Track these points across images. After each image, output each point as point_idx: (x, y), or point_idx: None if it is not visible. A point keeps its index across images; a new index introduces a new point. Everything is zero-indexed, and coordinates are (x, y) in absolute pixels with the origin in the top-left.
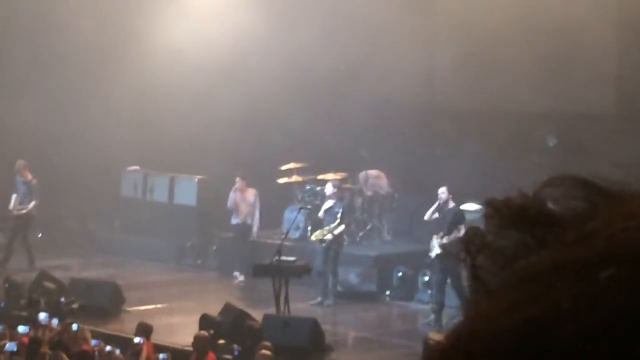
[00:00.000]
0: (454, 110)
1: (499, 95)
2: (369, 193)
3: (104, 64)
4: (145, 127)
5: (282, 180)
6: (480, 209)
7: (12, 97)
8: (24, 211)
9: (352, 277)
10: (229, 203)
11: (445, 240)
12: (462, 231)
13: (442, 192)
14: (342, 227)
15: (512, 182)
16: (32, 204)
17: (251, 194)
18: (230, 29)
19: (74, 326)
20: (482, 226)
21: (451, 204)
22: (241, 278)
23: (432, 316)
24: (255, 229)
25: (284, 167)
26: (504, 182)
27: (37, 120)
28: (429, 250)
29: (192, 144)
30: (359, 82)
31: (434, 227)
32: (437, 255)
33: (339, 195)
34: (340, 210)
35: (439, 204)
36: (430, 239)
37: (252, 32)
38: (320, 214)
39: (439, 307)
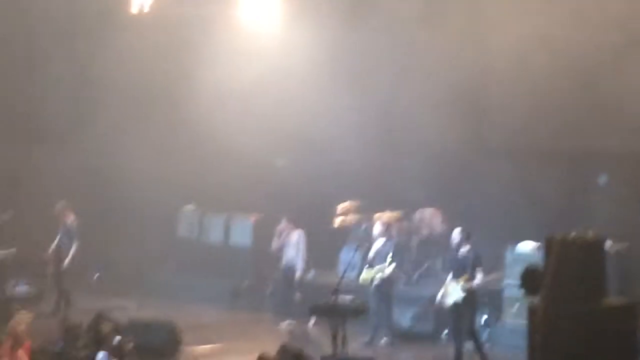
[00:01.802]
0: (508, 149)
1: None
2: (424, 232)
3: (155, 102)
4: (199, 165)
5: (338, 221)
6: (535, 248)
7: (61, 137)
8: (66, 263)
9: (408, 317)
10: (273, 245)
11: (473, 284)
12: (482, 275)
13: (455, 234)
14: (392, 267)
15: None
16: (73, 248)
17: (295, 235)
18: (282, 66)
19: None
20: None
21: (465, 246)
22: (288, 323)
23: None
24: (298, 272)
25: (340, 207)
26: (559, 221)
27: (88, 160)
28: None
29: (248, 182)
30: (413, 120)
31: (449, 271)
32: (460, 300)
33: (388, 235)
34: (391, 251)
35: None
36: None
37: (304, 70)
38: (370, 254)
39: (459, 354)
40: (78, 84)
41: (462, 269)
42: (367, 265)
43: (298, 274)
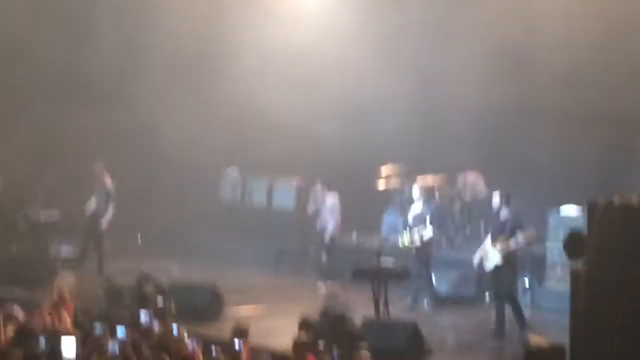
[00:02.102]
0: (551, 111)
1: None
2: (466, 197)
3: (198, 65)
4: (242, 128)
5: (382, 185)
6: (579, 212)
7: (107, 98)
8: (104, 225)
9: (450, 281)
10: (309, 209)
11: (511, 245)
12: (521, 237)
13: (494, 197)
14: (431, 230)
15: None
16: (111, 211)
17: (330, 198)
18: (322, 30)
19: (175, 329)
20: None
21: (505, 210)
22: (322, 288)
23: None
24: (329, 236)
25: (383, 171)
26: (601, 182)
27: (133, 121)
28: (493, 257)
29: (291, 146)
30: (456, 82)
31: (489, 234)
32: (495, 266)
33: (427, 198)
34: (429, 214)
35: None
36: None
37: (346, 33)
38: (409, 218)
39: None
40: (124, 46)
41: (502, 232)
42: (407, 229)
43: (329, 237)
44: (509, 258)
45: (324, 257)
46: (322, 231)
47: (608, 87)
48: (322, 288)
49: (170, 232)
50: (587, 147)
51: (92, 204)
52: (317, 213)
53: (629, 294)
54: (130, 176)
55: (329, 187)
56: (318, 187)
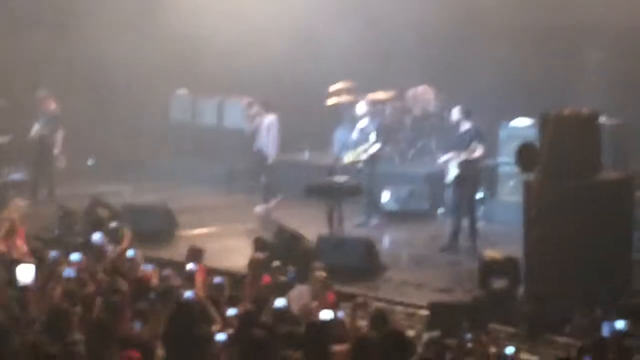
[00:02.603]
0: (503, 27)
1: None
2: (417, 111)
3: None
4: (191, 49)
5: (331, 102)
6: (532, 124)
7: (60, 26)
8: (56, 151)
9: (403, 195)
10: (246, 129)
11: (473, 156)
12: (478, 150)
13: (454, 112)
14: (378, 146)
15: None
16: (59, 136)
17: (267, 120)
18: None
19: (130, 252)
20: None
21: (465, 124)
22: (259, 208)
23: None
24: (270, 157)
25: (332, 88)
26: (551, 97)
27: (85, 49)
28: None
29: (240, 66)
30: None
31: (450, 147)
32: (456, 177)
33: (372, 114)
34: (374, 130)
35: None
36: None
37: None
38: (354, 134)
39: (456, 230)
40: None
41: (462, 144)
42: (350, 147)
43: (269, 159)
44: (469, 168)
45: (263, 178)
46: (259, 151)
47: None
48: (260, 208)
49: (121, 155)
50: (539, 61)
51: (34, 129)
52: (254, 133)
53: (580, 203)
54: (80, 102)
55: (266, 107)
56: (255, 108)
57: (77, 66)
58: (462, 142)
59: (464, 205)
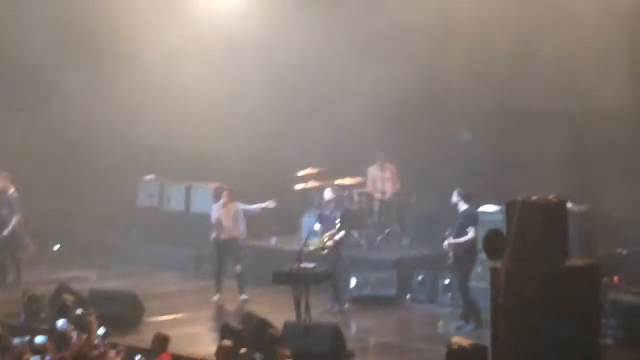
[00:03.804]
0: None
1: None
2: (377, 195)
3: (112, 67)
4: (160, 136)
5: (299, 187)
6: (499, 210)
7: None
8: (5, 233)
9: (371, 282)
10: (213, 218)
11: (450, 241)
12: (471, 233)
13: (453, 195)
14: (342, 233)
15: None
16: (14, 220)
17: (233, 208)
18: (243, 34)
19: (99, 338)
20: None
21: (463, 206)
22: (244, 296)
23: (461, 322)
24: (239, 245)
25: (301, 173)
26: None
27: (50, 129)
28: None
29: (208, 152)
30: (370, 85)
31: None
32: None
33: (338, 199)
34: (340, 216)
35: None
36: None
37: (263, 36)
38: (319, 222)
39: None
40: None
41: (455, 227)
42: (316, 233)
43: (237, 247)
44: (459, 250)
45: (237, 268)
46: (226, 242)
47: (518, 84)
48: (217, 297)
49: (88, 240)
50: (500, 145)
51: None
52: (218, 224)
53: (547, 290)
54: (46, 186)
55: (232, 196)
56: (224, 196)
57: (46, 150)
58: (456, 225)
59: (465, 280)
